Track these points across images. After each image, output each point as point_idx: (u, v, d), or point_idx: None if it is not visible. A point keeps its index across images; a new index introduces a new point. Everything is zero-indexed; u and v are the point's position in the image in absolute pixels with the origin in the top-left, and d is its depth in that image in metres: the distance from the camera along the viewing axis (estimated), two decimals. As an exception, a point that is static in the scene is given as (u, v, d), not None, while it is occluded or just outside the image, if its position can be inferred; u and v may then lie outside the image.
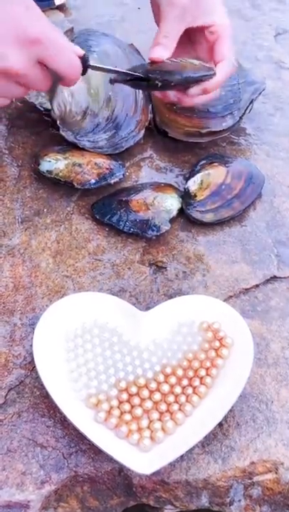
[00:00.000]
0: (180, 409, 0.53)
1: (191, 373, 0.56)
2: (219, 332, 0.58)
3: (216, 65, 0.65)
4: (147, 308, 0.61)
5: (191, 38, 0.67)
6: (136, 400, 0.54)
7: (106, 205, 0.71)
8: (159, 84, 0.58)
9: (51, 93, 0.71)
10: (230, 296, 0.65)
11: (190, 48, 0.67)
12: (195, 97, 0.65)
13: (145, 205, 0.70)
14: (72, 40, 0.83)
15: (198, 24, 0.63)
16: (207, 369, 0.56)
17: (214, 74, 0.62)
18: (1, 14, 0.49)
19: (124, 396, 0.54)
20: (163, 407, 0.53)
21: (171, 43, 0.61)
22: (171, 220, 0.70)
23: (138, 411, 0.53)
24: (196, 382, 0.55)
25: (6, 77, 0.52)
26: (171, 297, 0.63)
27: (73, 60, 0.55)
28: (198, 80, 0.61)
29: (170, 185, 0.74)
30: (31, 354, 0.57)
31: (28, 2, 0.51)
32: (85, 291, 0.64)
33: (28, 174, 0.76)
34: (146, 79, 0.59)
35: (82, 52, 0.56)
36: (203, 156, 0.78)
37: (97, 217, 0.71)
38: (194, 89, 0.63)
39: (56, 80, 0.57)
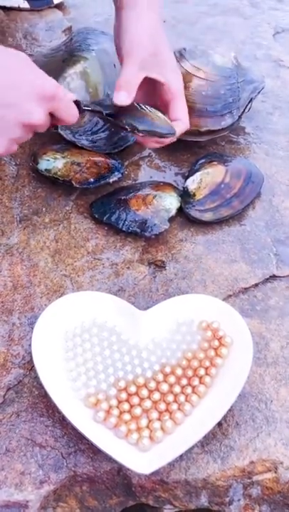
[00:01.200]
0: (179, 409, 0.53)
1: (190, 373, 0.55)
2: (218, 331, 0.58)
3: (170, 121, 0.70)
4: (146, 307, 0.61)
5: (154, 86, 0.70)
6: (135, 400, 0.53)
7: (105, 204, 0.71)
8: (128, 128, 0.65)
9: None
10: (230, 296, 0.65)
11: (152, 95, 0.71)
12: (152, 144, 0.71)
13: (144, 204, 0.70)
14: (71, 39, 0.83)
15: (152, 76, 0.68)
16: (206, 368, 0.56)
17: (174, 134, 0.68)
18: (17, 76, 0.57)
19: (124, 395, 0.54)
20: (162, 406, 0.53)
21: (133, 87, 0.66)
22: (170, 219, 0.70)
23: (137, 410, 0.53)
24: (196, 381, 0.55)
25: (26, 129, 0.59)
26: (170, 296, 0.63)
27: (74, 110, 0.63)
28: (160, 135, 0.67)
29: (169, 184, 0.74)
30: (30, 353, 0.57)
31: (28, 62, 0.59)
32: (83, 290, 0.64)
33: (27, 173, 0.76)
34: (119, 122, 0.66)
35: (74, 97, 0.63)
36: (202, 155, 0.78)
37: (96, 216, 0.70)
38: (153, 142, 0.69)
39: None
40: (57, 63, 0.80)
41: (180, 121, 0.69)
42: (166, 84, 0.68)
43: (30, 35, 0.99)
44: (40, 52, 0.93)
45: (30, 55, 0.90)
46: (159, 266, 0.67)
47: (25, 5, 1.04)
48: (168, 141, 0.69)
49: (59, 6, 1.07)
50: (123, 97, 0.65)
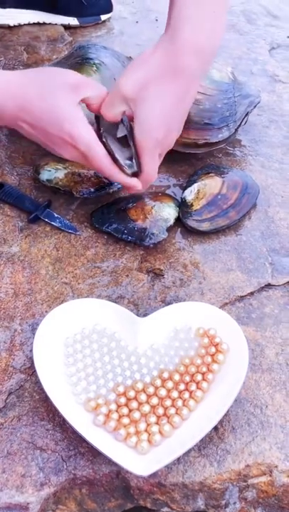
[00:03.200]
0: (177, 413, 0.54)
1: (187, 378, 0.57)
2: (215, 338, 0.59)
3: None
4: (145, 314, 0.63)
5: None
6: (134, 404, 0.55)
7: (105, 214, 0.73)
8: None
9: None
10: (226, 303, 0.66)
11: None
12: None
13: (143, 214, 0.72)
14: (72, 53, 0.85)
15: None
16: (203, 374, 0.57)
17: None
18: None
19: (123, 400, 0.55)
20: (160, 410, 0.54)
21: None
22: (169, 229, 0.71)
23: (136, 414, 0.54)
24: (193, 386, 0.56)
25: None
26: (168, 304, 0.65)
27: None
28: None
29: (168, 195, 0.76)
30: (31, 359, 0.58)
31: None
32: (83, 297, 0.65)
33: (28, 183, 0.78)
34: None
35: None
36: (200, 167, 0.80)
37: (96, 225, 0.72)
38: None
39: None
40: (58, 76, 0.82)
41: (143, 174, 0.64)
42: (136, 138, 0.61)
43: (32, 48, 1.01)
44: (41, 65, 0.95)
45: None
46: (158, 274, 0.69)
47: (75, 22, 1.07)
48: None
49: (104, 22, 1.10)
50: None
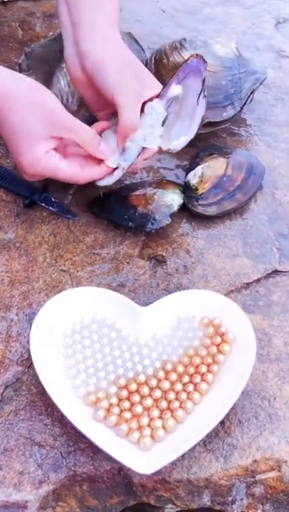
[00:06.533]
0: (181, 407, 0.52)
1: (192, 370, 0.55)
2: (220, 327, 0.57)
3: None
4: (147, 303, 0.60)
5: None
6: (136, 398, 0.53)
7: (104, 201, 0.70)
8: None
9: None
10: (232, 291, 0.64)
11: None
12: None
13: (145, 200, 0.69)
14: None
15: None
16: (208, 365, 0.55)
17: None
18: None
19: (124, 393, 0.53)
20: (163, 404, 0.52)
21: None
22: (172, 215, 0.68)
23: (138, 409, 0.52)
24: (197, 378, 0.54)
25: None
26: (171, 292, 0.62)
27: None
28: None
29: (171, 182, 0.72)
30: (28, 350, 0.56)
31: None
32: (83, 285, 0.62)
33: (24, 166, 0.75)
34: None
35: None
36: (203, 148, 0.77)
37: (95, 211, 0.69)
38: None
39: None
40: (54, 53, 0.79)
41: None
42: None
43: (27, 24, 0.98)
44: (36, 42, 0.92)
45: (26, 46, 0.89)
46: (160, 261, 0.66)
47: None
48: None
49: None
50: None
